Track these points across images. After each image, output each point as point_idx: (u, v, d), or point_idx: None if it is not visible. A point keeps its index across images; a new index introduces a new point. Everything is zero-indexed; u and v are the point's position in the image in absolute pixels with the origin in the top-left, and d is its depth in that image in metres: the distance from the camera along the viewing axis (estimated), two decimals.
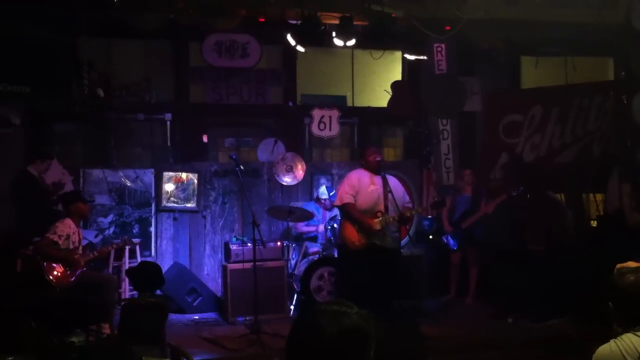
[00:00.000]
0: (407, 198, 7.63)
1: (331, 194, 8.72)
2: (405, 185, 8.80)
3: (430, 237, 9.30)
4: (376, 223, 7.07)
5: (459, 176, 9.17)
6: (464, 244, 8.60)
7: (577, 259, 7.37)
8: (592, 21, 8.58)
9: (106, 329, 6.69)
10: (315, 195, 9.08)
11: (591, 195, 9.63)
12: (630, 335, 2.97)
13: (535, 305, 7.57)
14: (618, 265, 3.27)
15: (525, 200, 8.21)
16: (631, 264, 3.26)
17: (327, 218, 8.67)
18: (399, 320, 6.66)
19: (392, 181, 7.32)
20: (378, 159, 7.32)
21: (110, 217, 8.69)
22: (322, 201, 8.78)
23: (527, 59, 10.60)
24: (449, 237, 8.67)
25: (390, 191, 7.09)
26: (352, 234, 7.09)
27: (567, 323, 6.94)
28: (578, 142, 8.98)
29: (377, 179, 7.23)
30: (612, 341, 2.99)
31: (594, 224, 9.15)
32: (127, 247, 8.08)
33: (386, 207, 7.13)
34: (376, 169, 7.25)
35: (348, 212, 7.16)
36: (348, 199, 7.14)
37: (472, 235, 8.53)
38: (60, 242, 6.81)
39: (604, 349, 2.99)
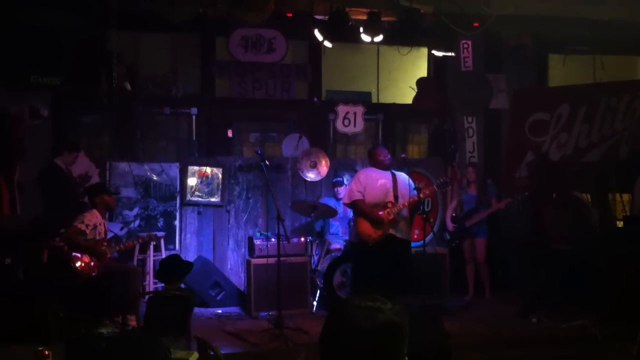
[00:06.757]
0: (415, 193, 7.56)
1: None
2: (428, 182, 8.79)
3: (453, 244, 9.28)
4: (388, 213, 7.09)
5: (463, 174, 9.16)
6: (465, 238, 8.76)
7: (603, 259, 7.30)
8: (622, 19, 8.50)
9: (132, 321, 6.75)
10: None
11: (618, 195, 9.52)
12: None
13: (560, 305, 7.52)
14: None
15: (551, 199, 8.14)
16: None
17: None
18: (423, 315, 6.64)
19: (401, 176, 7.36)
20: (388, 157, 7.36)
21: (136, 210, 8.75)
22: (335, 191, 8.91)
23: (555, 57, 10.48)
24: (446, 234, 8.94)
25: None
26: (368, 228, 7.12)
27: (591, 323, 6.88)
28: (605, 141, 8.89)
29: (387, 174, 7.29)
30: None
31: (620, 224, 9.04)
32: (152, 242, 8.14)
33: (396, 198, 7.18)
34: (385, 168, 7.32)
35: (358, 207, 7.22)
36: (356, 196, 7.20)
37: (471, 231, 8.69)
38: (87, 232, 6.86)
39: None
